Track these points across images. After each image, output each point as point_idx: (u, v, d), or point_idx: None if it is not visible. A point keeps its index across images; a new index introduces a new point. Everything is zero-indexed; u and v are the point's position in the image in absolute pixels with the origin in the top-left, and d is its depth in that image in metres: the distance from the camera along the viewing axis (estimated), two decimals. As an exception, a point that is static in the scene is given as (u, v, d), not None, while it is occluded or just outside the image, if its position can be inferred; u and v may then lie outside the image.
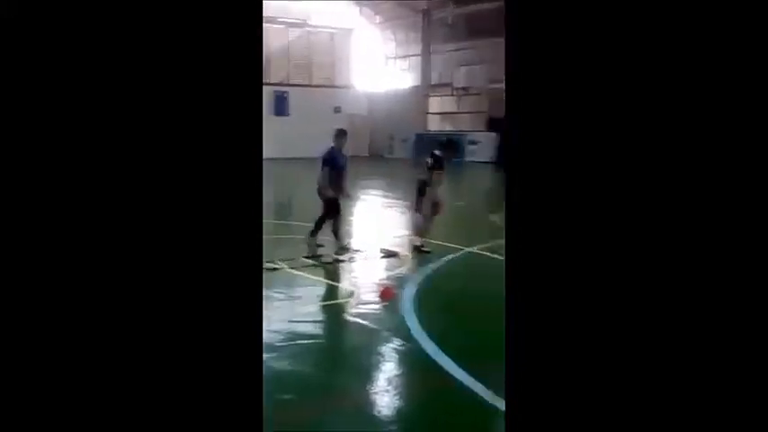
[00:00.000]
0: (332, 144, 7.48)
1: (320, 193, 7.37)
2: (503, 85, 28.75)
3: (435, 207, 7.88)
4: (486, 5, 28.48)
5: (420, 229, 7.92)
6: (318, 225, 7.39)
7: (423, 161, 7.94)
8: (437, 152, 7.95)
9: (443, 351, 4.25)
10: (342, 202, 7.52)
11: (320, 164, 7.40)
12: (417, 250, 7.69)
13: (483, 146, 27.47)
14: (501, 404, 3.44)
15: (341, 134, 7.53)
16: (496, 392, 3.54)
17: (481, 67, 27.37)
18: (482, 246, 7.93)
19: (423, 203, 7.81)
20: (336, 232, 7.46)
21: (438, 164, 7.80)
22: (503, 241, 8.11)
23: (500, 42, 28.59)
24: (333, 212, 7.38)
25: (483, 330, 5.05)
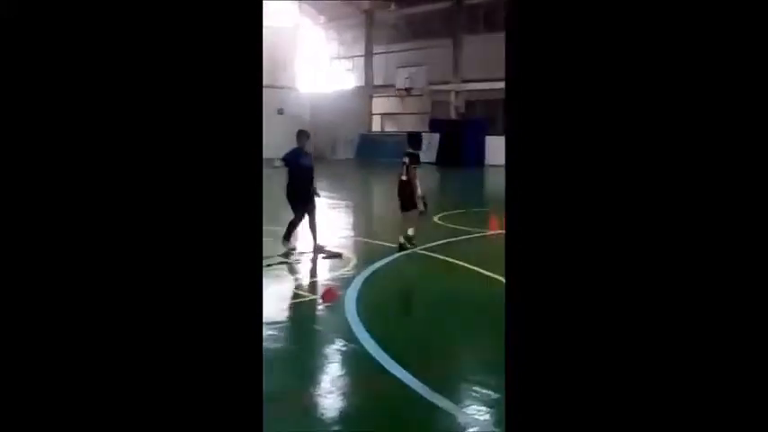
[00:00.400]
0: (295, 145, 7.74)
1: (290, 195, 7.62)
2: (443, 87, 29.10)
3: (423, 199, 8.05)
4: (428, 7, 28.76)
5: (414, 225, 8.09)
6: (290, 228, 7.58)
7: (400, 163, 8.12)
8: (410, 150, 8.12)
9: (385, 351, 4.31)
10: (312, 203, 7.68)
11: (282, 165, 7.54)
12: (409, 241, 7.89)
13: (426, 146, 27.66)
14: (439, 400, 3.53)
15: (302, 135, 7.84)
16: (435, 389, 3.62)
17: (423, 68, 27.61)
18: (425, 246, 8.03)
19: (412, 201, 7.94)
20: (312, 232, 7.67)
21: (415, 160, 8.00)
22: (445, 241, 8.27)
23: (442, 43, 28.96)
24: (302, 214, 7.53)
25: (425, 329, 5.14)
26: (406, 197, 7.94)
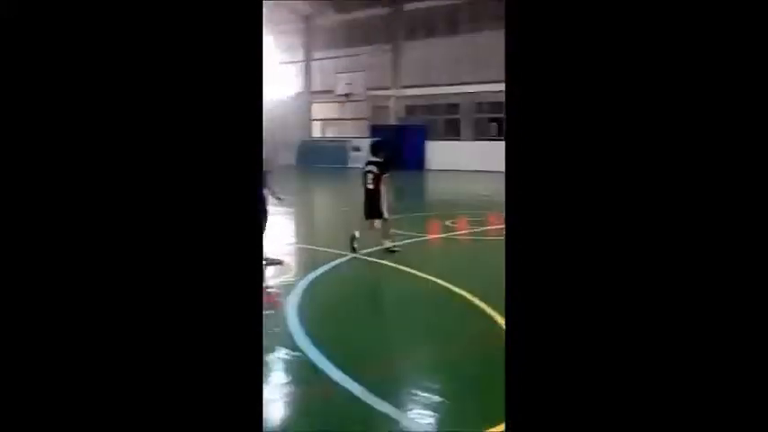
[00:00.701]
0: None
1: None
2: (383, 92, 29.22)
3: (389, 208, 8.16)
4: (368, 12, 28.86)
5: (386, 233, 8.20)
6: None
7: (363, 174, 8.18)
8: (374, 159, 8.17)
9: (327, 357, 4.28)
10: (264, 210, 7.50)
11: None
12: (389, 251, 7.99)
13: (367, 152, 27.73)
14: (380, 405, 3.53)
15: None
16: (377, 394, 3.62)
17: (362, 74, 27.69)
18: (367, 251, 8.04)
19: (381, 209, 8.04)
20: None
21: (385, 169, 8.04)
22: (382, 247, 8.29)
23: (382, 49, 29.11)
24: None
25: (367, 334, 5.14)
26: (373, 205, 8.01)
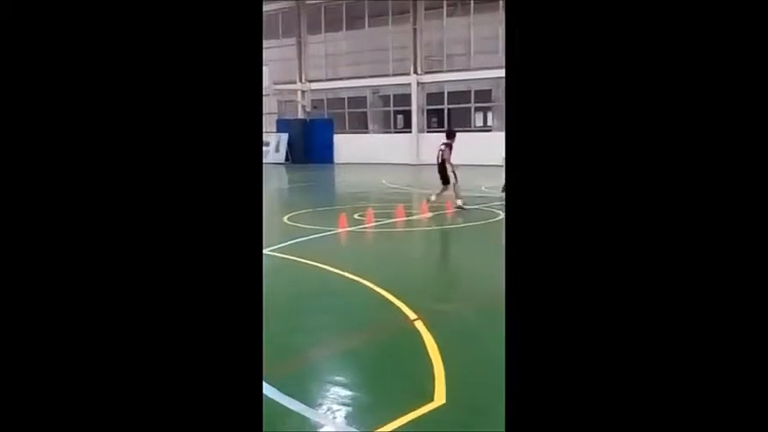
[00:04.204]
0: None
1: None
2: (289, 86, 29.03)
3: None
4: (270, 6, 28.44)
5: (457, 192, 11.46)
6: None
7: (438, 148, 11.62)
8: (447, 138, 11.68)
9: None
10: None
11: None
12: (460, 209, 11.09)
13: (274, 146, 27.44)
14: (290, 403, 3.51)
15: None
16: (287, 392, 3.60)
17: (267, 68, 27.32)
18: (274, 247, 7.96)
19: (450, 173, 11.35)
20: None
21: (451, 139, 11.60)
22: (294, 242, 8.23)
23: (286, 43, 28.78)
24: None
25: (275, 330, 5.08)
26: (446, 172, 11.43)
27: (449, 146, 11.61)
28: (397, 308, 5.28)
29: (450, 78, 24.70)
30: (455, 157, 11.79)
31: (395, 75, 25.97)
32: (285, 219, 10.56)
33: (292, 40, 28.85)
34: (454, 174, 11.55)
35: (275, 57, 27.57)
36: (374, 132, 27.44)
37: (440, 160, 11.65)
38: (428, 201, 11.52)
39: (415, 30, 25.31)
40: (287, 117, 28.98)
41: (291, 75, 28.67)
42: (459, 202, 11.50)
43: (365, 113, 27.94)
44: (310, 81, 28.57)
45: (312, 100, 28.67)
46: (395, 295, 5.57)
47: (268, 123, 27.88)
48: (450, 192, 11.62)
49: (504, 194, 12.65)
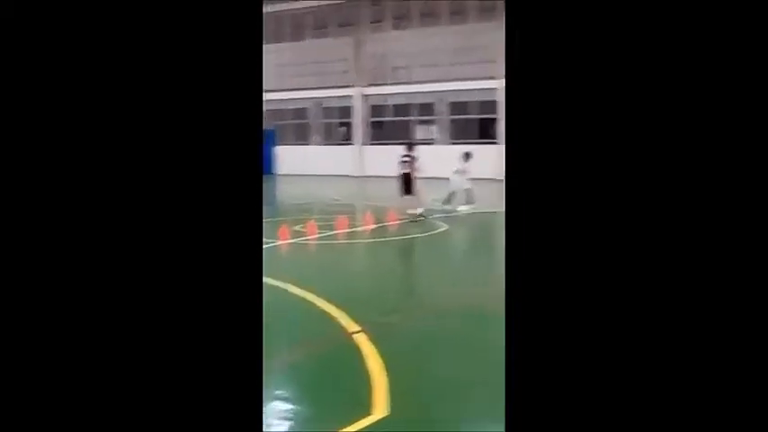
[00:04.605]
0: None
1: None
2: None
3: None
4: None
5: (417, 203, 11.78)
6: None
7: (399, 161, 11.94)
8: (408, 150, 12.02)
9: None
10: None
11: None
12: (418, 216, 11.45)
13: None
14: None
15: None
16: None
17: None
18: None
19: (412, 186, 11.74)
20: None
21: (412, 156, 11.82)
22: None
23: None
24: None
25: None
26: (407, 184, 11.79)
27: (413, 158, 12.02)
28: (339, 320, 5.24)
29: (393, 91, 24.88)
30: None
31: (338, 87, 25.99)
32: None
33: (234, 50, 28.53)
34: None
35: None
36: (317, 144, 27.36)
37: (404, 172, 11.98)
38: (418, 216, 11.81)
39: (358, 42, 25.43)
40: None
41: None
42: (419, 211, 11.87)
43: (308, 125, 27.84)
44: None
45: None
46: (337, 307, 5.54)
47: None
48: (412, 200, 11.97)
49: (444, 207, 12.79)
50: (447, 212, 12.61)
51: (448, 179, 13.29)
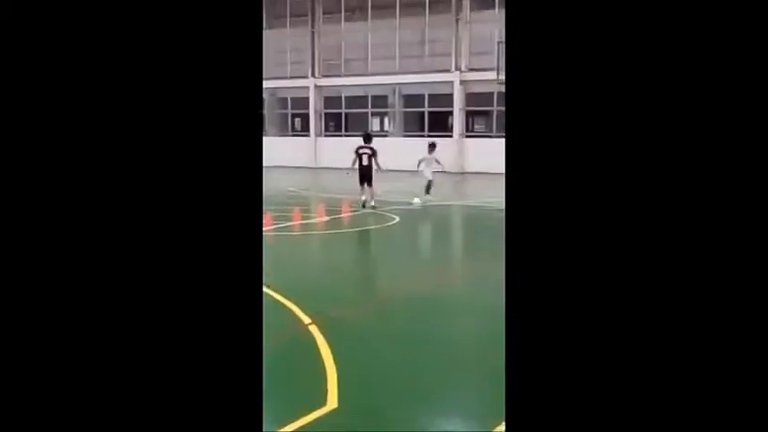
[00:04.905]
0: None
1: None
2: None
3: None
4: None
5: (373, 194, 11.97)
6: None
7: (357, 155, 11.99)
8: (367, 143, 12.12)
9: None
10: None
11: None
12: (372, 208, 11.62)
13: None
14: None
15: None
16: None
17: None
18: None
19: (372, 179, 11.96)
20: None
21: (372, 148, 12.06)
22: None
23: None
24: None
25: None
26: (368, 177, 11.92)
27: (374, 151, 12.25)
28: (292, 312, 5.27)
29: (347, 83, 24.83)
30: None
31: (293, 77, 25.81)
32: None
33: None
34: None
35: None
36: (272, 135, 27.15)
37: (365, 163, 12.20)
38: (372, 207, 12.02)
39: (313, 33, 25.28)
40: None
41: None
42: (373, 203, 12.16)
43: (262, 115, 27.57)
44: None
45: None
46: (290, 299, 5.55)
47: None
48: (366, 192, 12.22)
49: (426, 197, 12.83)
50: (409, 204, 12.70)
51: (417, 171, 13.38)
